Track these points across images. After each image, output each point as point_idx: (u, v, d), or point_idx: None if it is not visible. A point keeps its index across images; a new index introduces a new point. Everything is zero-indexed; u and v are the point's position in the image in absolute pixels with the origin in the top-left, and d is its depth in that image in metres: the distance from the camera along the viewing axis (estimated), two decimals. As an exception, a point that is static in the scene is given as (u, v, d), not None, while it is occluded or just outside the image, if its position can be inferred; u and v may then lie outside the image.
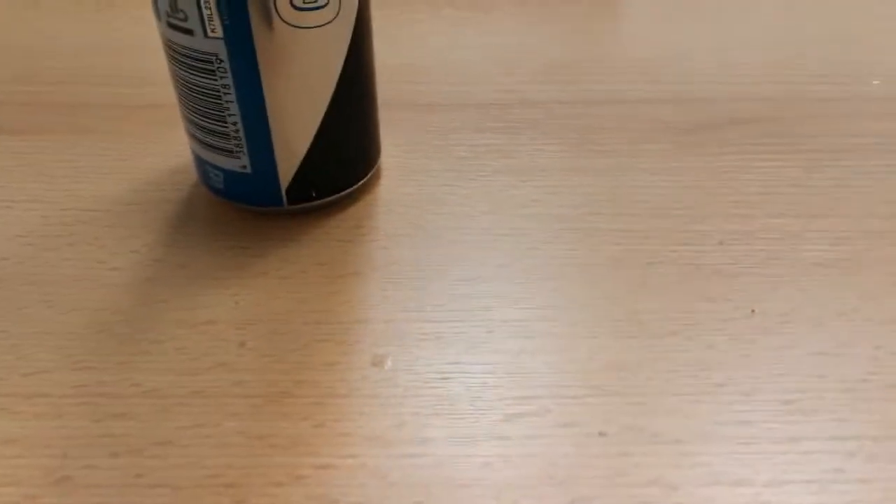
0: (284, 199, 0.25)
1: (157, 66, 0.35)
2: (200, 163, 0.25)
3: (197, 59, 0.22)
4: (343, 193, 0.26)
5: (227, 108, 0.23)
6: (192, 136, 0.25)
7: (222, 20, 0.21)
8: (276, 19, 0.21)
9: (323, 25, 0.22)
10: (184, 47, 0.22)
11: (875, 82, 0.35)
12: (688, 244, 0.25)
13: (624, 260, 0.25)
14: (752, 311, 0.23)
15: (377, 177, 0.28)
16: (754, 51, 0.39)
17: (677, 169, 0.29)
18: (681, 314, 0.23)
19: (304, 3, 0.21)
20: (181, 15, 0.21)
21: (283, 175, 0.24)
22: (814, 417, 0.20)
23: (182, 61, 0.23)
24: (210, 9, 0.21)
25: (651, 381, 0.21)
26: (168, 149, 0.29)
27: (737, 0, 0.46)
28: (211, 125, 0.23)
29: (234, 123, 0.23)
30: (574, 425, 0.19)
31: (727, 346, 0.22)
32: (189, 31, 0.22)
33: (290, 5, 0.21)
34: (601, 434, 0.19)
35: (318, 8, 0.22)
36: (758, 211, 0.27)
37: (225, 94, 0.22)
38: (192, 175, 0.28)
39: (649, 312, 0.23)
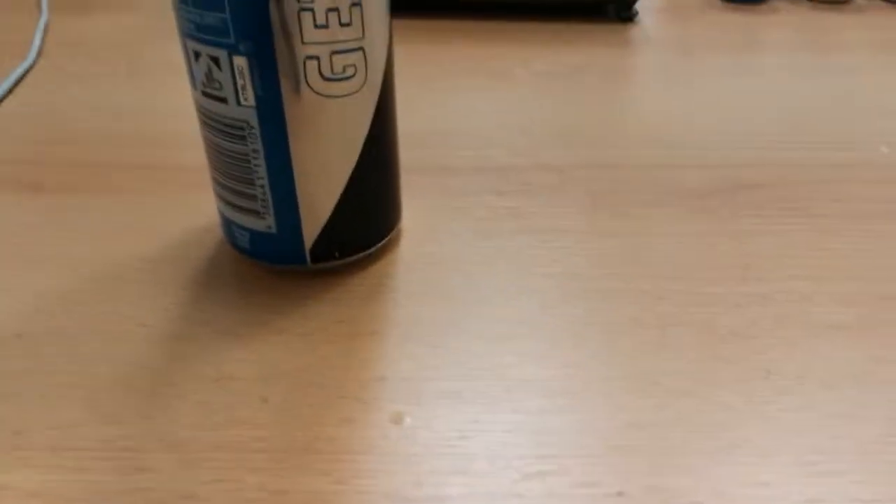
0: (308, 258, 0.26)
1: (186, 130, 0.36)
2: (227, 223, 0.26)
3: (229, 126, 0.23)
4: (365, 253, 0.27)
5: (256, 172, 0.24)
6: (221, 197, 0.26)
7: (255, 90, 0.22)
8: (305, 89, 0.22)
9: (350, 94, 0.23)
10: (217, 114, 0.23)
11: (884, 149, 0.35)
12: (704, 306, 0.26)
13: (641, 320, 0.25)
14: (768, 372, 0.23)
15: (398, 237, 0.29)
16: (765, 117, 0.40)
17: (692, 232, 0.30)
18: (697, 375, 0.23)
19: (332, 73, 0.22)
20: (216, 85, 0.23)
21: (308, 235, 0.25)
22: (832, 479, 0.20)
23: (214, 127, 0.24)
24: (244, 80, 0.22)
25: (669, 441, 0.21)
26: (196, 209, 0.30)
27: (747, 67, 0.47)
28: (239, 187, 0.25)
29: (262, 186, 0.24)
30: (593, 485, 0.19)
31: (744, 406, 0.22)
32: (223, 100, 0.23)
33: (319, 76, 0.22)
34: (620, 494, 0.19)
35: (345, 78, 0.23)
36: (773, 274, 0.27)
37: (254, 158, 0.24)
38: (219, 234, 0.29)
39: (667, 373, 0.23)
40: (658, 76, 0.46)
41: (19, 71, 0.43)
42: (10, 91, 0.41)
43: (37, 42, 0.47)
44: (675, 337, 0.24)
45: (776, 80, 0.45)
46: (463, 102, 0.41)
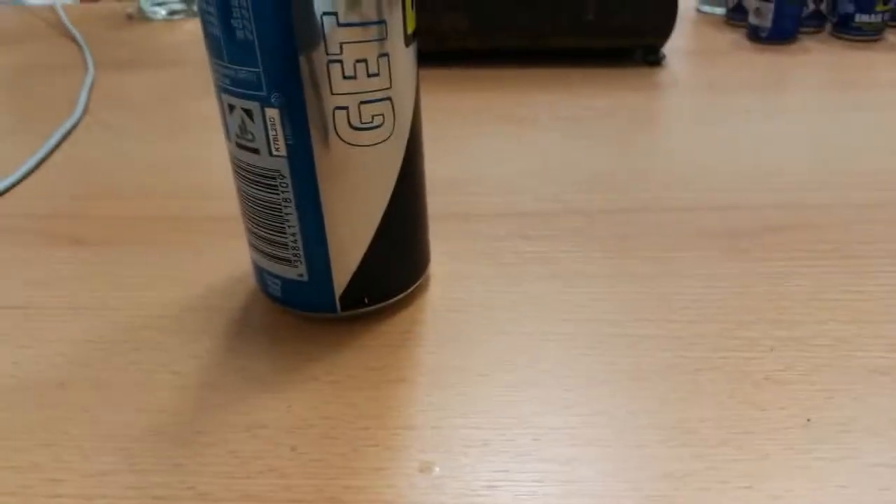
0: (338, 306, 0.26)
1: (221, 182, 0.37)
2: (259, 271, 0.27)
3: (261, 176, 0.24)
4: (394, 300, 0.27)
5: (287, 220, 0.24)
6: (253, 246, 0.26)
7: (286, 140, 0.23)
8: (334, 138, 0.23)
9: (378, 143, 0.24)
10: (250, 165, 0.24)
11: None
12: (737, 351, 0.25)
13: (673, 366, 0.25)
14: (808, 420, 0.22)
15: (427, 284, 0.29)
16: (794, 157, 0.39)
17: (722, 275, 0.29)
18: (732, 422, 0.22)
19: (361, 122, 0.23)
20: (249, 136, 0.23)
21: (338, 283, 0.25)
22: (879, 533, 0.19)
23: (247, 177, 0.24)
24: (276, 130, 0.23)
25: (704, 491, 0.20)
26: (229, 258, 0.31)
27: (776, 106, 0.47)
28: (271, 236, 0.25)
29: (293, 235, 0.25)
30: (625, 537, 0.19)
31: (782, 456, 0.21)
32: (255, 151, 0.23)
33: (348, 125, 0.23)
34: (654, 547, 0.19)
35: (374, 128, 0.23)
36: (808, 317, 0.27)
37: (286, 207, 0.24)
38: (251, 283, 0.29)
39: (700, 420, 0.22)
40: (685, 118, 0.46)
41: (66, 127, 0.45)
42: (56, 147, 0.43)
43: (83, 99, 0.49)
44: (708, 383, 0.24)
45: (806, 120, 0.45)
46: (489, 149, 0.42)
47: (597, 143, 0.42)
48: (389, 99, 0.23)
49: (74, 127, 0.46)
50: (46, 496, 0.21)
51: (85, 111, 0.48)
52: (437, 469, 0.21)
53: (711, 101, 0.49)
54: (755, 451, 0.21)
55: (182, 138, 0.44)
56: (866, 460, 0.21)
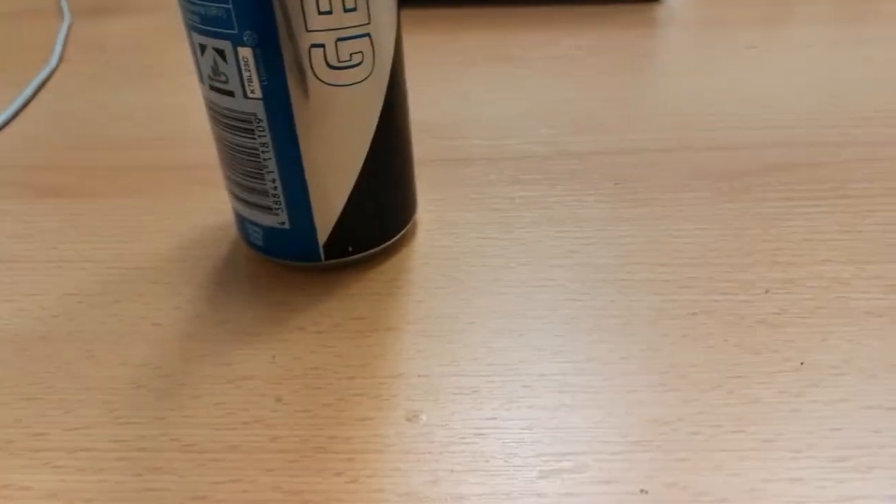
0: (322, 254, 0.25)
1: (199, 129, 0.36)
2: (240, 220, 0.26)
3: (237, 120, 0.23)
4: (379, 248, 0.26)
5: (266, 166, 0.23)
6: (233, 195, 0.26)
7: (261, 81, 0.22)
8: (311, 78, 0.22)
9: (358, 83, 0.23)
10: (225, 108, 0.23)
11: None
12: (730, 294, 0.25)
13: (664, 311, 0.24)
14: (801, 363, 0.22)
15: (413, 231, 0.28)
16: (796, 94, 0.38)
17: (717, 216, 0.28)
18: (725, 367, 0.22)
19: (339, 62, 0.22)
20: (223, 78, 0.22)
21: (321, 231, 0.25)
22: (869, 475, 0.18)
23: (223, 122, 0.23)
24: (249, 70, 0.22)
25: (694, 436, 0.20)
26: (209, 207, 0.30)
27: (777, 42, 0.45)
28: (250, 183, 0.24)
29: (273, 181, 0.24)
30: (614, 482, 0.19)
31: (775, 399, 0.21)
32: (230, 93, 0.22)
33: (325, 64, 0.22)
34: (643, 492, 0.18)
35: (352, 66, 0.22)
36: (804, 258, 0.26)
37: (263, 152, 0.23)
38: (233, 232, 0.29)
39: (691, 365, 0.22)
40: (684, 56, 0.45)
41: (42, 76, 0.43)
42: (32, 97, 0.42)
43: (59, 47, 0.48)
44: (700, 327, 0.23)
45: (809, 55, 0.44)
46: (478, 90, 0.40)
47: (591, 83, 0.41)
48: (368, 35, 0.22)
49: (51, 76, 0.44)
50: (30, 450, 0.20)
51: (61, 59, 0.47)
52: (424, 417, 0.21)
53: (712, 38, 0.47)
54: (747, 395, 0.21)
55: (161, 85, 0.43)
56: (860, 402, 0.20)
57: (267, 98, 0.22)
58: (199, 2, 0.21)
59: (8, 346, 0.24)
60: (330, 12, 0.21)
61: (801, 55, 0.44)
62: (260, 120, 0.22)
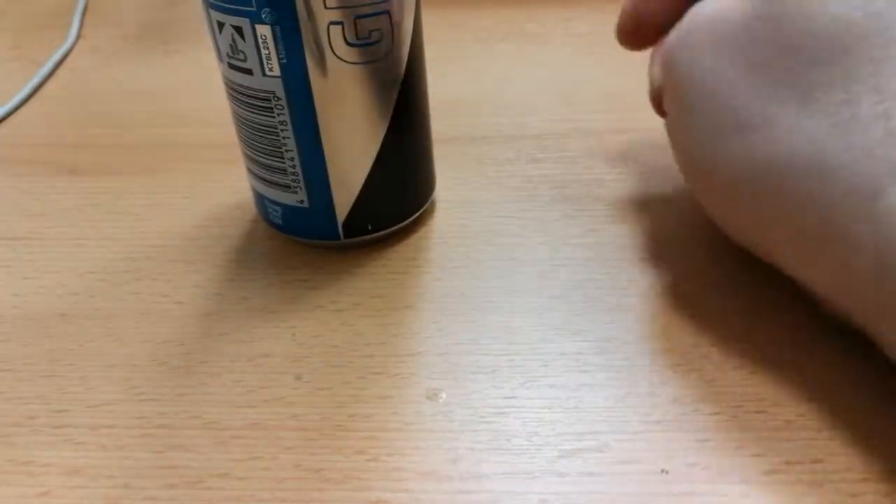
0: (341, 233, 0.25)
1: (219, 107, 0.36)
2: (259, 198, 0.26)
3: (256, 98, 0.23)
4: (398, 226, 0.26)
5: (285, 145, 0.23)
6: (252, 173, 0.25)
7: (279, 59, 0.22)
8: (329, 56, 0.22)
9: (376, 61, 0.22)
10: (243, 86, 0.23)
11: None
12: (755, 274, 0.24)
13: (686, 291, 0.24)
14: (826, 334, 0.21)
15: (432, 209, 0.28)
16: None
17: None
18: (747, 346, 0.22)
19: (357, 39, 0.22)
20: (241, 55, 0.22)
21: (340, 209, 0.25)
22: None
23: (242, 100, 0.23)
24: (268, 48, 0.21)
25: (716, 416, 0.20)
26: (228, 186, 0.30)
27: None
28: (269, 161, 0.24)
29: (292, 159, 0.24)
30: (635, 462, 0.19)
31: (799, 377, 0.20)
32: (248, 71, 0.22)
33: (343, 42, 0.22)
34: (664, 472, 0.18)
35: (370, 44, 0.22)
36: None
37: (282, 130, 0.23)
38: (252, 211, 0.29)
39: (713, 345, 0.22)
40: (705, 33, 0.44)
41: (60, 53, 0.43)
42: (50, 74, 0.42)
43: (76, 23, 0.48)
44: (723, 306, 0.23)
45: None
46: (498, 68, 0.40)
47: (612, 60, 0.40)
48: (387, 12, 0.22)
49: (68, 53, 0.44)
50: (52, 426, 0.21)
51: (78, 36, 0.47)
52: (443, 396, 0.21)
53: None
54: (769, 375, 0.21)
55: (179, 63, 0.43)
56: (883, 386, 0.20)
57: (285, 76, 0.22)
58: (216, -23, 0.21)
59: (29, 323, 0.24)
60: (349, -12, 0.21)
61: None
62: (279, 98, 0.22)
